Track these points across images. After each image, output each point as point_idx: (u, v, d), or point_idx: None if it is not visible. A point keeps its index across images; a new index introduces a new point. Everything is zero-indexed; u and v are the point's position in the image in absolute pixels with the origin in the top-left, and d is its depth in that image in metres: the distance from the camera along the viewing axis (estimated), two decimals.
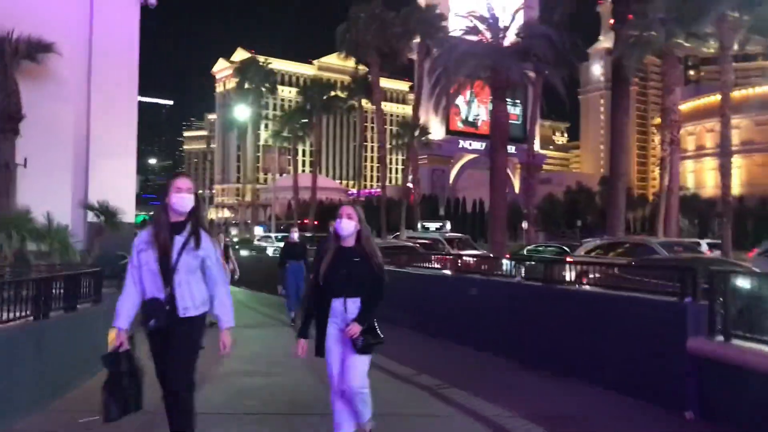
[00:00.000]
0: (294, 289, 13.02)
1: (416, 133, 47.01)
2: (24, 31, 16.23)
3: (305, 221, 56.87)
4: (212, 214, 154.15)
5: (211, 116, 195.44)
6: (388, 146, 51.07)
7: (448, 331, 11.00)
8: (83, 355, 6.52)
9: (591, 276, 8.99)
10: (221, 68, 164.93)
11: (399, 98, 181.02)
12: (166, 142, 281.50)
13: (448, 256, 20.82)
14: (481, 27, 29.94)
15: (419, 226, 29.25)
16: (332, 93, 53.83)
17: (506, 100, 28.83)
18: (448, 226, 27.56)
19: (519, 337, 9.05)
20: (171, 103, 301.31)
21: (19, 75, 16.64)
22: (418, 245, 22.88)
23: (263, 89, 55.37)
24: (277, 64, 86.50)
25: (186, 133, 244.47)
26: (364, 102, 53.41)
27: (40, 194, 16.01)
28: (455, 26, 35.32)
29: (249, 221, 63.49)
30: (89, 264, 12.46)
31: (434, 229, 26.98)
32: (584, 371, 7.55)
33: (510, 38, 29.93)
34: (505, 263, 11.75)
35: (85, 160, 18.32)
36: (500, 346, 9.41)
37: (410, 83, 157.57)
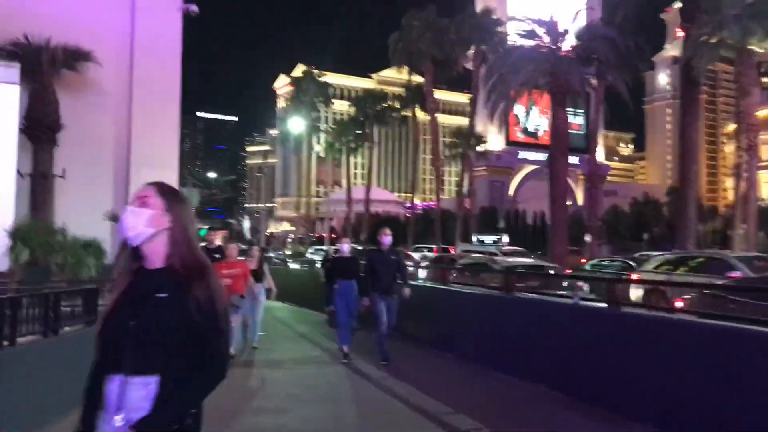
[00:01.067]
0: (345, 314, 10.39)
1: (471, 142, 45.51)
2: (62, 40, 15.94)
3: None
4: (272, 227, 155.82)
5: (273, 131, 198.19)
6: (443, 157, 49.47)
7: (494, 358, 9.71)
8: (61, 388, 5.61)
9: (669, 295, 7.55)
10: (282, 84, 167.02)
11: (458, 110, 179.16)
12: (230, 156, 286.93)
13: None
14: (539, 31, 28.56)
15: (474, 239, 27.89)
16: (385, 104, 53.04)
17: (566, 107, 27.32)
18: (506, 239, 26.14)
19: (582, 370, 7.48)
20: (235, 119, 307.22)
21: (59, 85, 16.36)
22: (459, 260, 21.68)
23: (318, 101, 55.14)
24: (334, 79, 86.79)
25: (249, 148, 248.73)
26: (420, 114, 52.53)
27: (80, 206, 15.61)
28: (512, 31, 33.89)
29: (302, 236, 63.42)
30: (103, 280, 11.81)
31: (490, 242, 25.59)
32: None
33: (570, 42, 28.46)
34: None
35: (126, 171, 17.93)
36: (558, 378, 7.94)
37: (470, 95, 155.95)
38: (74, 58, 15.74)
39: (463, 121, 71.01)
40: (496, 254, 22.78)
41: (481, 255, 22.40)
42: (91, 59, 15.88)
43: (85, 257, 12.45)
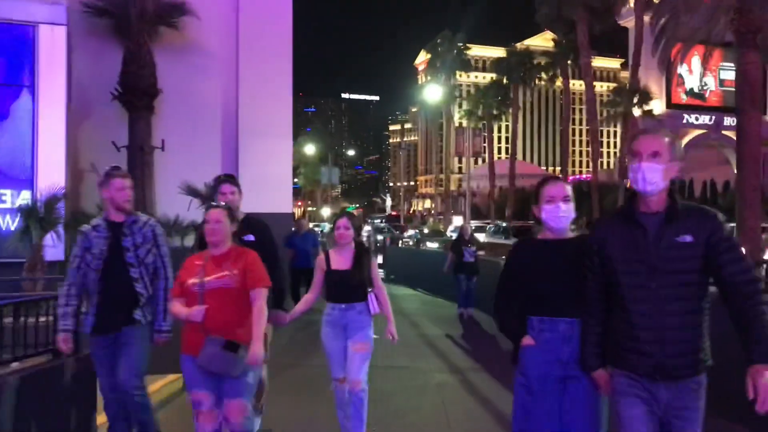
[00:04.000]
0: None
1: (635, 99, 39.94)
2: None
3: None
4: (414, 205, 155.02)
5: (414, 109, 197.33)
6: (602, 116, 43.22)
7: None
8: None
9: None
10: (422, 60, 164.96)
11: (609, 77, 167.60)
12: (374, 136, 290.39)
13: None
14: None
15: None
16: (532, 63, 48.03)
17: (757, 48, 22.16)
18: None
19: None
20: (377, 98, 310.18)
21: (156, 45, 14.57)
22: None
23: (456, 66, 51.46)
24: (475, 51, 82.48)
25: (391, 127, 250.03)
26: (570, 81, 47.24)
27: (183, 181, 13.77)
28: None
29: (441, 213, 60.37)
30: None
31: None
32: None
33: None
34: None
35: (235, 141, 15.95)
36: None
37: (621, 60, 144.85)
38: (167, 10, 13.83)
39: (611, 88, 64.54)
40: None
41: None
42: (187, 12, 13.88)
43: None
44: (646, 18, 38.68)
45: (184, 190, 11.52)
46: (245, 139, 15.75)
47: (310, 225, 54.04)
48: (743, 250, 13.99)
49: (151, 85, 14.00)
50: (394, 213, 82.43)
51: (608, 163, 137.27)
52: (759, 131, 22.59)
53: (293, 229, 14.53)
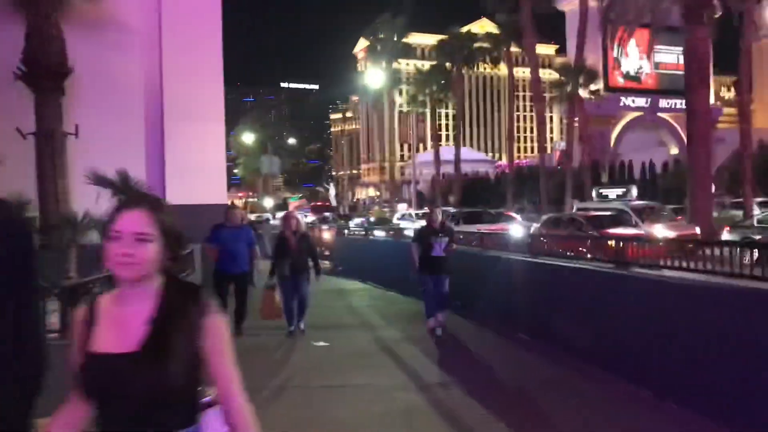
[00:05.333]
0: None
1: (581, 79, 39.06)
2: None
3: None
4: (358, 194, 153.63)
5: (355, 98, 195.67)
6: (547, 96, 42.12)
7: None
8: None
9: None
10: (362, 48, 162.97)
11: (544, 63, 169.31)
12: (315, 125, 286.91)
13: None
14: None
15: (594, 193, 23.02)
16: (475, 46, 46.98)
17: (704, 23, 21.84)
18: (634, 191, 21.18)
19: None
20: (317, 87, 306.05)
21: (66, 17, 12.88)
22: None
23: (397, 50, 50.17)
24: (416, 38, 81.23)
25: (332, 116, 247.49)
26: (513, 66, 46.45)
27: (103, 171, 12.09)
28: None
29: (386, 200, 59.31)
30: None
31: (615, 196, 20.75)
32: None
33: None
34: None
35: (160, 126, 14.41)
36: None
37: (556, 46, 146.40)
38: None
39: (549, 74, 64.50)
40: (627, 212, 18.07)
41: (607, 213, 17.75)
42: None
43: None
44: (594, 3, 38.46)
45: (90, 179, 10.04)
46: (172, 123, 14.28)
47: (252, 216, 52.27)
48: (697, 229, 13.09)
49: (61, 63, 12.35)
50: (320, 203, 72.70)
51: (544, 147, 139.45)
52: (709, 109, 22.32)
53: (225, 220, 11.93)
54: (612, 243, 7.48)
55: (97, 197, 9.03)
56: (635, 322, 6.05)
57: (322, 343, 8.09)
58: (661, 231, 17.24)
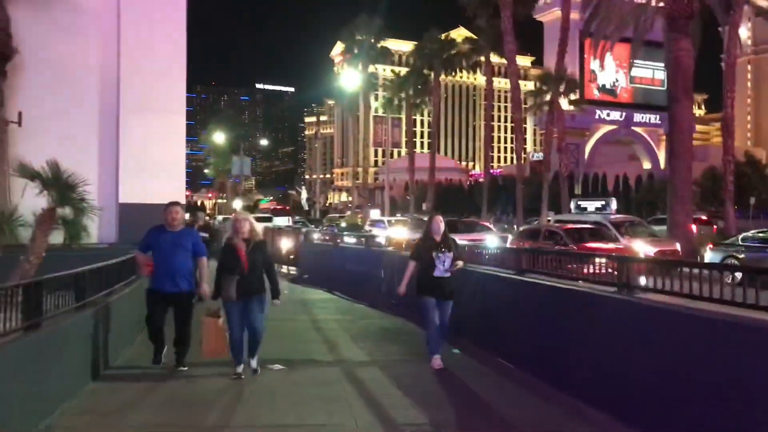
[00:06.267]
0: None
1: (561, 87, 37.02)
2: None
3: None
4: (331, 198, 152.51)
5: (331, 101, 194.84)
6: (525, 106, 41.33)
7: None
8: None
9: None
10: (339, 51, 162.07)
11: (520, 75, 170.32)
12: (290, 128, 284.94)
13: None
14: None
15: (572, 205, 22.32)
16: (453, 51, 46.01)
17: (689, 35, 21.39)
18: (614, 205, 20.51)
19: None
20: (292, 90, 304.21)
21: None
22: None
23: (374, 53, 49.21)
24: (393, 45, 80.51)
25: (307, 119, 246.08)
26: (490, 70, 46.04)
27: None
28: None
29: (358, 205, 58.25)
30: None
31: (593, 209, 20.06)
32: None
33: None
34: None
35: (115, 116, 13.33)
36: None
37: (532, 58, 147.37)
38: None
39: (525, 86, 64.07)
40: (605, 226, 17.38)
41: (587, 227, 17.04)
42: None
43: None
44: (574, 15, 38.04)
45: (17, 171, 8.62)
46: (128, 114, 13.19)
47: (218, 218, 50.61)
48: (677, 246, 12.11)
49: (3, 44, 11.26)
50: (279, 206, 67.56)
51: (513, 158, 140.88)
52: (692, 121, 21.87)
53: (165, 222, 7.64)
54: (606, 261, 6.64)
55: (23, 190, 7.79)
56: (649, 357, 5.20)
57: (278, 367, 6.99)
58: (641, 246, 16.58)
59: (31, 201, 8.88)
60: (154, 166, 13.32)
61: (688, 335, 4.72)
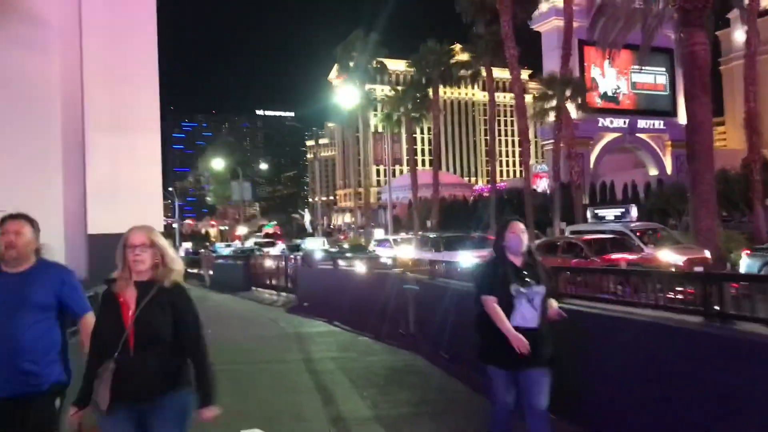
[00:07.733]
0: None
1: (568, 92, 34.97)
2: None
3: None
4: (334, 220, 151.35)
5: (331, 124, 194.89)
6: (533, 110, 39.80)
7: None
8: None
9: None
10: (336, 75, 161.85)
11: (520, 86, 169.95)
12: (291, 152, 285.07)
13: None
14: None
15: (589, 214, 20.94)
16: (453, 60, 44.54)
17: (703, 27, 20.17)
18: (634, 212, 19.16)
19: None
20: (292, 114, 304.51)
21: None
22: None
23: (370, 71, 48.04)
24: (387, 64, 79.90)
25: (308, 143, 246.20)
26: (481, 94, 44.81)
27: (10, 192, 9.85)
28: None
29: (361, 226, 56.76)
30: None
31: (612, 218, 18.68)
32: None
33: None
34: None
35: (81, 136, 12.03)
36: None
37: (530, 71, 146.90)
38: None
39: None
40: (628, 235, 15.94)
41: (609, 236, 15.60)
42: None
43: None
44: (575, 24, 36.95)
45: None
46: (95, 133, 11.88)
47: (219, 246, 49.24)
48: (707, 253, 10.28)
49: None
50: (270, 230, 64.87)
51: (514, 172, 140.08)
52: (711, 119, 20.47)
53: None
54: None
55: None
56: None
57: (256, 431, 5.43)
58: (668, 255, 15.18)
59: None
60: (127, 189, 12.02)
61: None
